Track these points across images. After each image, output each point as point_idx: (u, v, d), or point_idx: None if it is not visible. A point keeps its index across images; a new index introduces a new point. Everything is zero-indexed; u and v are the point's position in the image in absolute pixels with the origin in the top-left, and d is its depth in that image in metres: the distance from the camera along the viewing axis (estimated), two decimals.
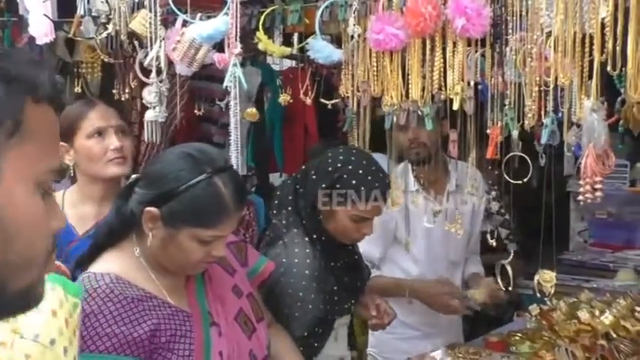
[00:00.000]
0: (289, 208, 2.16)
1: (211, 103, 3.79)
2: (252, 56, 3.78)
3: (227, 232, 1.68)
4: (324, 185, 2.08)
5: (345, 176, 2.08)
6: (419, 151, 2.74)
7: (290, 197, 2.17)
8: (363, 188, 2.07)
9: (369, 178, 2.09)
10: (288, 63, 3.99)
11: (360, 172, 2.09)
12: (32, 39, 2.66)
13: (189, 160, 1.64)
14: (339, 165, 2.09)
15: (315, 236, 2.12)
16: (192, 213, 1.61)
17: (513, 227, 3.79)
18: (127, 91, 2.76)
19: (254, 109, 2.48)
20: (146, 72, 2.19)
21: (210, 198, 1.61)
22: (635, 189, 4.67)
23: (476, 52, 1.91)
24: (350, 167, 2.09)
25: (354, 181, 2.07)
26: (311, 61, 2.78)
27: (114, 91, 2.84)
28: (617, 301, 2.88)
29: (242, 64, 3.70)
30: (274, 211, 2.21)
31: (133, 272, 1.67)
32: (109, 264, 1.67)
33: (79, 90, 2.86)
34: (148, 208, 1.62)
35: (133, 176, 1.77)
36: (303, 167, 2.22)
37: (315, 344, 2.13)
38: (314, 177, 2.12)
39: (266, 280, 2.02)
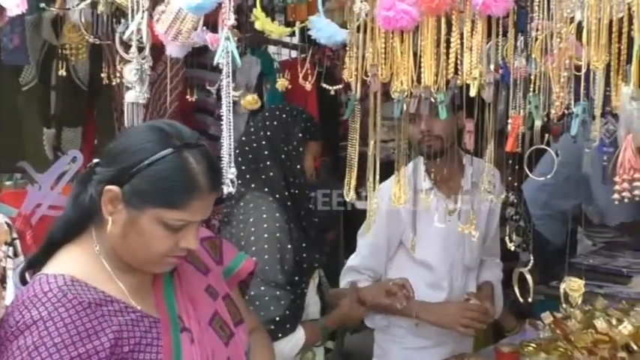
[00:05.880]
0: (242, 167, 2.32)
1: (207, 93, 3.61)
2: (251, 45, 3.62)
3: (198, 218, 1.46)
4: (297, 129, 2.42)
5: (303, 115, 2.47)
6: (432, 144, 2.54)
7: (250, 160, 2.39)
8: (317, 123, 2.52)
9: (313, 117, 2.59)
10: (292, 54, 3.80)
11: (308, 113, 2.57)
12: (15, 17, 2.46)
13: (155, 132, 1.45)
14: (294, 113, 2.46)
15: (290, 179, 2.37)
16: (158, 189, 1.41)
17: (529, 234, 3.58)
18: (117, 75, 2.53)
19: (254, 96, 2.30)
20: (129, 48, 2.00)
21: (179, 173, 1.42)
22: None
23: (498, 35, 1.71)
24: (303, 109, 2.53)
25: (313, 120, 2.50)
26: (314, 50, 2.58)
27: (103, 75, 2.64)
28: (635, 309, 2.71)
29: (242, 54, 3.58)
30: None
31: (92, 272, 1.46)
32: (64, 264, 1.47)
33: (64, 73, 2.66)
34: (108, 187, 1.42)
35: (94, 160, 1.53)
36: (243, 136, 2.44)
37: (306, 290, 2.38)
38: (280, 129, 2.42)
39: (245, 280, 1.85)
